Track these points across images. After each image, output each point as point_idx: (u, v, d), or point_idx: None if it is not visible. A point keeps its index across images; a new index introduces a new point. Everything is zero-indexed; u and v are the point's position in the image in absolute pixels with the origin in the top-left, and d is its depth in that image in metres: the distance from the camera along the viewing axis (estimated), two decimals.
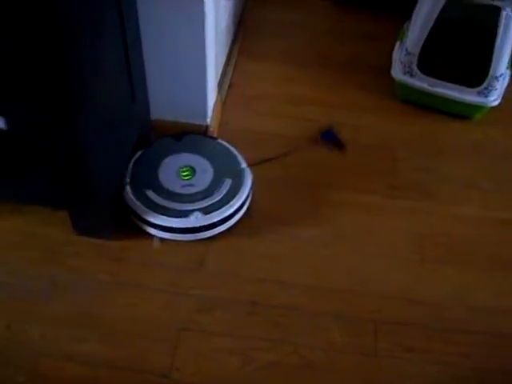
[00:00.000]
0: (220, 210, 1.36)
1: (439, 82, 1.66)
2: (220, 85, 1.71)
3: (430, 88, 1.66)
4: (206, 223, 1.36)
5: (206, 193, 1.39)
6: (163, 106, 1.57)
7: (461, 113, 1.71)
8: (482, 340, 1.26)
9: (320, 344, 1.24)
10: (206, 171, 1.44)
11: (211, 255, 1.38)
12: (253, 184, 1.44)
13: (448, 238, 1.43)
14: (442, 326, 1.28)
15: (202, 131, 1.59)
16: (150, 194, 1.39)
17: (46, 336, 1.25)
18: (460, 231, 1.45)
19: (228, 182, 1.41)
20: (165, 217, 1.36)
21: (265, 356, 1.22)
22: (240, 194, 1.40)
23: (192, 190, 1.40)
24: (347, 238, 1.43)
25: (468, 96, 1.65)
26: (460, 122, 1.71)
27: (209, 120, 1.60)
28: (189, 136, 1.53)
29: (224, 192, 1.39)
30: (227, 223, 1.38)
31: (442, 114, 1.72)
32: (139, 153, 1.47)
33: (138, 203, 1.38)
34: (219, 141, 1.53)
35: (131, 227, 1.41)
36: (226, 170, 1.44)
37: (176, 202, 1.38)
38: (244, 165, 1.46)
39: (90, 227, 1.39)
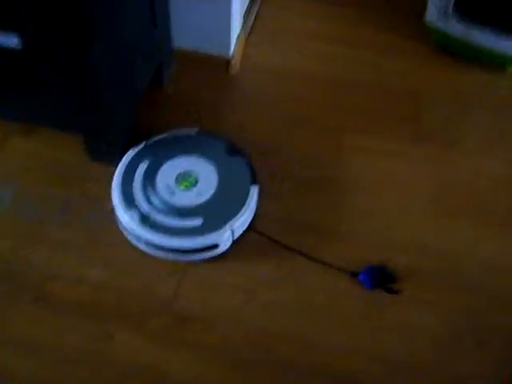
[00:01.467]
0: None
1: (475, 27, 1.58)
2: (245, 17, 1.66)
3: (464, 34, 1.59)
4: None
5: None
6: (185, 34, 1.53)
7: (494, 63, 1.63)
8: (489, 295, 1.23)
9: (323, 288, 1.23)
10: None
11: None
12: None
13: (467, 191, 1.40)
14: (449, 278, 1.26)
15: (224, 64, 1.56)
16: None
17: (53, 260, 1.26)
18: (480, 184, 1.41)
19: None
20: None
21: (272, 294, 1.22)
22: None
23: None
24: (366, 183, 1.40)
25: (504, 44, 1.57)
26: (492, 74, 1.65)
27: (231, 52, 1.56)
28: None
29: None
30: None
31: (475, 63, 1.65)
32: None
33: None
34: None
35: None
36: None
37: None
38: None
39: (104, 153, 1.38)
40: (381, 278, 1.24)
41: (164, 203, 1.25)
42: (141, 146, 1.34)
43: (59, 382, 1.13)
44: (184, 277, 1.24)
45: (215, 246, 1.24)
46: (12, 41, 1.14)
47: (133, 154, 1.33)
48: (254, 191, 1.29)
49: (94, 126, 1.32)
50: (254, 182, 1.30)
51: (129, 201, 1.25)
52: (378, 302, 1.22)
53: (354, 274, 1.24)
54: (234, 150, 1.34)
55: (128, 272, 1.25)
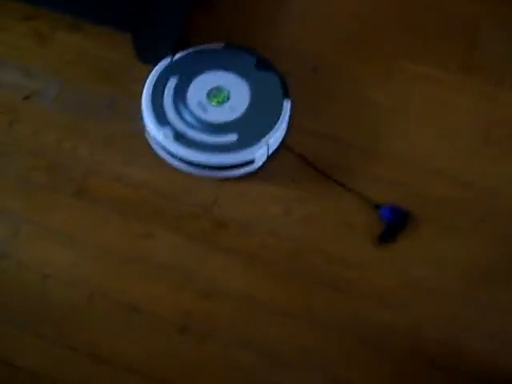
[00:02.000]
0: None
1: None
2: None
3: None
4: None
5: None
6: None
7: None
8: None
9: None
10: None
11: None
12: None
13: None
14: (492, 211, 1.24)
15: None
16: None
17: (96, 155, 1.27)
18: None
19: None
20: None
21: (308, 209, 1.22)
22: None
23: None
24: (412, 109, 1.37)
25: None
26: None
27: None
28: None
29: None
30: None
31: None
32: None
33: None
34: None
35: None
36: None
37: None
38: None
39: (152, 55, 1.35)
40: (399, 221, 1.21)
41: (197, 120, 1.24)
42: (167, 61, 1.31)
43: (96, 276, 1.16)
44: (222, 187, 1.24)
45: (251, 162, 1.23)
46: None
47: (160, 70, 1.30)
48: (287, 106, 1.27)
49: (144, 25, 1.29)
50: (286, 96, 1.27)
51: (161, 118, 1.23)
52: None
53: (377, 206, 1.22)
54: (264, 65, 1.31)
55: (169, 177, 1.26)
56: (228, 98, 1.26)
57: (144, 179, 1.25)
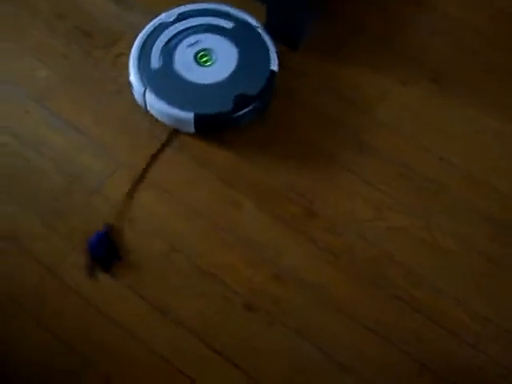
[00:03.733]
0: None
1: None
2: None
3: None
4: None
5: None
6: None
7: None
8: None
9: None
10: None
11: None
12: None
13: None
14: None
15: None
16: None
17: None
18: None
19: None
20: None
21: (399, 218, 1.19)
22: None
23: None
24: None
25: None
26: None
27: None
28: None
29: None
30: None
31: None
32: None
33: None
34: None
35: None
36: None
37: None
38: None
39: (282, 29, 1.35)
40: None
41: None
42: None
43: (179, 232, 1.18)
44: (319, 179, 1.23)
45: None
46: None
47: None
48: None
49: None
50: None
51: None
52: None
53: None
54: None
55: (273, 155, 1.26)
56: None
57: (247, 147, 1.26)
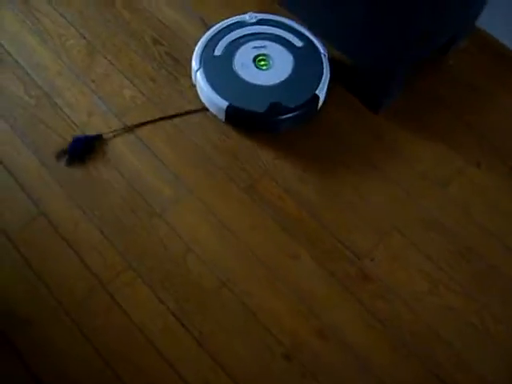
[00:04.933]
0: None
1: None
2: None
3: None
4: None
5: None
6: (499, 18, 1.44)
7: None
8: None
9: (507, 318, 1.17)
10: None
11: None
12: None
13: None
14: None
15: None
16: None
17: (278, 159, 1.30)
18: None
19: None
20: None
21: (452, 298, 1.18)
22: None
23: None
24: None
25: None
26: None
27: None
28: None
29: None
30: None
31: None
32: None
33: None
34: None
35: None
36: None
37: None
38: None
39: (367, 92, 1.37)
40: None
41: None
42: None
43: (233, 270, 1.19)
44: (381, 245, 1.23)
45: None
46: None
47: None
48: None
49: (378, 61, 1.30)
50: None
51: None
52: None
53: None
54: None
55: (336, 212, 1.26)
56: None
57: (311, 201, 1.26)
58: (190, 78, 1.40)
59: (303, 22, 1.41)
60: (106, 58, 1.45)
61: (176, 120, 1.36)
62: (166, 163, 1.30)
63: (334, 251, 1.22)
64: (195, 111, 1.36)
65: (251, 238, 1.22)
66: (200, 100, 1.36)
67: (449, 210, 1.27)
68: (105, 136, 1.32)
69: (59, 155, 1.28)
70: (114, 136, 1.33)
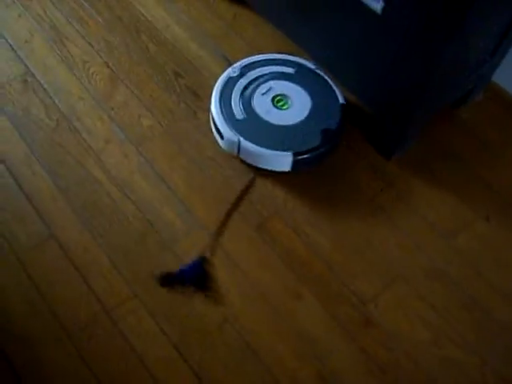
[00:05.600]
0: None
1: None
2: None
3: None
4: None
5: None
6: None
7: None
8: None
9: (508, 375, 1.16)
10: None
11: None
12: None
13: None
14: None
15: None
16: None
17: (289, 202, 1.32)
18: None
19: None
20: None
21: (453, 350, 1.18)
22: None
23: None
24: None
25: None
26: None
27: None
28: None
29: None
30: None
31: None
32: None
33: None
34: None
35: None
36: None
37: None
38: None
39: (381, 140, 1.39)
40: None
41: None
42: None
43: (236, 306, 1.20)
44: (385, 292, 1.23)
45: None
46: (376, 4, 1.17)
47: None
48: None
49: (387, 114, 1.33)
50: None
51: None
52: None
53: None
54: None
55: (344, 256, 1.28)
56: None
57: (320, 243, 1.28)
58: (209, 112, 1.42)
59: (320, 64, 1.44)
60: (127, 86, 1.48)
61: (193, 155, 1.38)
62: (179, 196, 1.31)
63: (339, 294, 1.22)
64: (249, 186, 1.35)
65: (256, 275, 1.23)
66: (247, 165, 1.37)
67: (455, 261, 1.28)
68: None
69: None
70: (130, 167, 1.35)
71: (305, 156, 1.31)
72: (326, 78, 1.41)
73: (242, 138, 1.31)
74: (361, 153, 1.41)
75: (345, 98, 1.39)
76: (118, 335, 1.15)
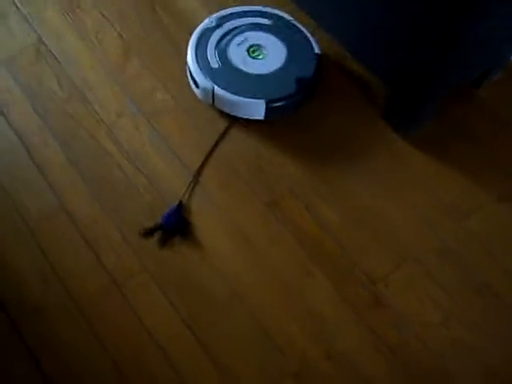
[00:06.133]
0: None
1: None
2: None
3: None
4: None
5: None
6: None
7: None
8: None
9: None
10: None
11: None
12: None
13: None
14: None
15: None
16: None
17: (302, 180, 1.31)
18: None
19: None
20: None
21: (463, 332, 1.17)
22: None
23: None
24: None
25: None
26: None
27: None
28: None
29: None
30: None
31: None
32: None
33: None
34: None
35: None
36: None
37: None
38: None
39: (394, 114, 1.37)
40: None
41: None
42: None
43: (246, 282, 1.20)
44: (396, 271, 1.23)
45: None
46: None
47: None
48: None
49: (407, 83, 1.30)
50: None
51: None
52: None
53: None
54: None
55: (355, 235, 1.27)
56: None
57: (332, 221, 1.27)
58: None
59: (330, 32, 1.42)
60: (140, 58, 1.46)
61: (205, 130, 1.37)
62: (189, 168, 1.31)
63: (350, 273, 1.21)
64: (229, 127, 1.37)
65: (269, 253, 1.23)
66: (226, 113, 1.37)
67: (467, 243, 1.27)
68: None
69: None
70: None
71: (278, 104, 1.32)
72: (303, 29, 1.43)
73: (216, 86, 1.32)
74: (375, 131, 1.39)
75: (320, 49, 1.40)
76: (127, 309, 1.15)
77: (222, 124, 1.37)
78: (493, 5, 1.08)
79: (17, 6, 1.53)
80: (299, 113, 1.38)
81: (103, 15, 1.52)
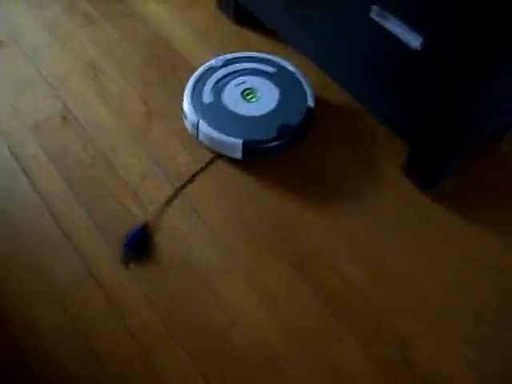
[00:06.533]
0: None
1: None
2: None
3: None
4: None
5: None
6: None
7: None
8: None
9: None
10: None
11: None
12: None
13: None
14: None
15: None
16: None
17: (327, 242, 1.31)
18: None
19: None
20: None
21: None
22: None
23: None
24: None
25: None
26: None
27: None
28: None
29: None
30: None
31: None
32: None
33: None
34: None
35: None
36: None
37: None
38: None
39: (416, 172, 1.37)
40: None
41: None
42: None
43: (277, 347, 1.18)
44: (427, 333, 1.20)
45: None
46: (415, 41, 1.16)
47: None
48: None
49: (428, 141, 1.31)
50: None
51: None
52: None
53: None
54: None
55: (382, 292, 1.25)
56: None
57: (360, 280, 1.26)
58: None
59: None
60: (163, 122, 1.48)
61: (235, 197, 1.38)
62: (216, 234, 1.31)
63: (378, 334, 1.19)
64: (210, 162, 1.42)
65: (294, 315, 1.21)
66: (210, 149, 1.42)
67: (503, 302, 1.24)
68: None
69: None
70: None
71: (255, 146, 1.37)
72: (303, 80, 1.48)
73: (201, 120, 1.38)
74: (401, 188, 1.39)
75: (314, 103, 1.45)
76: (153, 374, 1.14)
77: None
78: None
79: (42, 74, 1.57)
80: (306, 167, 1.41)
81: (126, 80, 1.56)
